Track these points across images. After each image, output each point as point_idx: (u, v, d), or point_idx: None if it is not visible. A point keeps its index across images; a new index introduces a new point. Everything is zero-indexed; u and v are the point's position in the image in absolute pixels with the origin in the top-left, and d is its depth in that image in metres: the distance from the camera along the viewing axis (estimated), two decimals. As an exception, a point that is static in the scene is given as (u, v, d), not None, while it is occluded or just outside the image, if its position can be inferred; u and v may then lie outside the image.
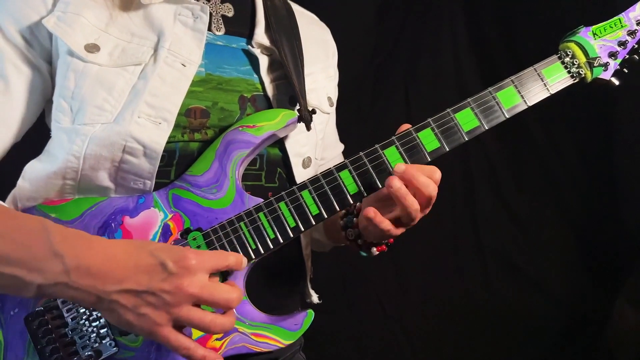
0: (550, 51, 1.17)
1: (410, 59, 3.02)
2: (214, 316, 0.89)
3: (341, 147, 1.55)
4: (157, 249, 0.88)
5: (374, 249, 1.23)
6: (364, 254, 1.25)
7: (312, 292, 1.38)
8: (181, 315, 0.86)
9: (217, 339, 1.03)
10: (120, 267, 0.85)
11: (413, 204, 1.03)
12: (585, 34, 1.17)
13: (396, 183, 1.02)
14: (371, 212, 1.05)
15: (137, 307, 0.85)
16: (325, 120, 1.35)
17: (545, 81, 1.13)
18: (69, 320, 0.99)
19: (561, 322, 2.87)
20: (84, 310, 1.00)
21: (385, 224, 1.06)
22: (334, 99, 1.41)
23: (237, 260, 0.95)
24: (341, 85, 1.48)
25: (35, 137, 1.13)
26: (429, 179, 1.03)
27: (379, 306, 2.94)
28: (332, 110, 1.40)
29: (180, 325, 0.89)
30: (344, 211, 1.24)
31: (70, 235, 0.89)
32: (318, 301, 1.38)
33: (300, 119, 1.16)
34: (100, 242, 0.90)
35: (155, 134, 1.03)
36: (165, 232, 1.04)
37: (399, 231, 1.09)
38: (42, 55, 1.08)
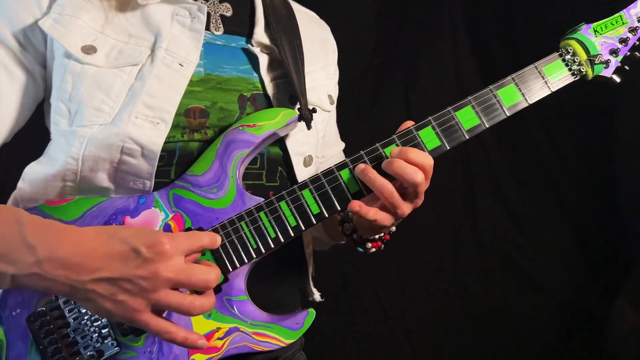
0: (552, 49, 1.17)
1: (410, 59, 3.02)
2: (193, 297, 0.88)
3: (342, 145, 1.55)
4: (129, 235, 0.87)
5: (369, 244, 1.23)
6: (361, 249, 1.25)
7: (314, 290, 1.38)
8: (159, 300, 0.85)
9: (218, 339, 1.04)
10: (93, 256, 0.85)
11: (384, 185, 1.02)
12: (586, 32, 1.17)
13: (359, 166, 1.04)
14: (355, 205, 1.04)
15: (114, 295, 0.84)
16: (326, 119, 1.35)
17: (546, 79, 1.13)
18: (71, 320, 0.99)
19: (561, 322, 2.88)
20: (85, 310, 1.00)
21: (372, 213, 1.04)
22: (335, 97, 1.41)
23: (210, 239, 0.95)
24: (341, 84, 1.47)
25: (35, 139, 1.13)
26: (415, 168, 1.01)
27: (379, 306, 2.93)
28: (333, 109, 1.40)
29: (160, 310, 0.89)
30: None
31: (44, 226, 0.89)
32: (321, 299, 1.38)
33: (300, 118, 1.16)
34: (73, 231, 0.89)
35: (153, 134, 1.03)
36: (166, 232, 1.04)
37: (388, 221, 1.07)
38: (36, 58, 1.08)
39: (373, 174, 1.03)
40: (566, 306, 2.88)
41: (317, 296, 1.38)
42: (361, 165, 1.05)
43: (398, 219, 1.08)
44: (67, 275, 0.84)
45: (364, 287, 2.94)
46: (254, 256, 1.04)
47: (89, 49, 1.05)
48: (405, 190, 1.03)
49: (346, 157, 1.08)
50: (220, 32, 1.18)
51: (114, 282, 0.84)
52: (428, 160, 1.03)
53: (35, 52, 1.08)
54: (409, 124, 1.09)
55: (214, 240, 0.96)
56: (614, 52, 1.16)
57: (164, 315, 0.91)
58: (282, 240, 1.06)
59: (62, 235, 0.87)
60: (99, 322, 1.00)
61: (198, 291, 0.92)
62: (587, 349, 2.80)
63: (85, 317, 0.99)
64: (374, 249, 1.25)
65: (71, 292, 0.86)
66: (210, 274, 0.89)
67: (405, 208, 1.05)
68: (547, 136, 2.89)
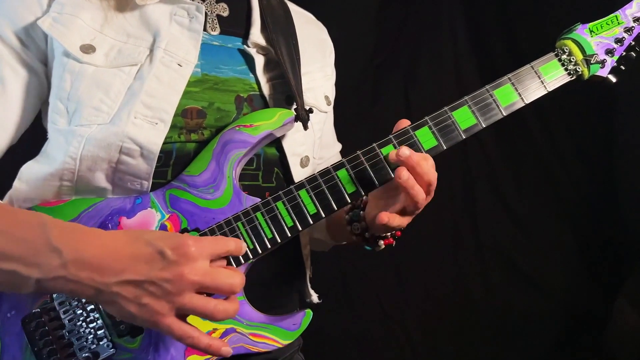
0: (552, 48, 1.17)
1: (410, 59, 3.02)
2: (217, 302, 0.88)
3: (339, 146, 1.54)
4: (155, 237, 0.87)
5: (382, 242, 1.21)
6: (369, 247, 1.23)
7: (312, 291, 1.37)
8: (184, 304, 0.85)
9: (214, 339, 1.03)
10: (119, 258, 0.85)
11: (419, 193, 1.02)
12: (582, 31, 1.17)
13: (405, 174, 1.01)
14: (385, 218, 1.04)
15: (139, 298, 0.84)
16: (323, 119, 1.35)
17: (543, 78, 1.13)
18: (66, 321, 0.99)
19: (561, 322, 2.87)
20: (81, 311, 0.99)
21: (397, 221, 1.06)
22: (332, 98, 1.41)
23: (236, 245, 0.95)
24: (341, 84, 1.47)
25: (32, 138, 1.13)
26: (429, 166, 1.03)
27: (379, 306, 2.93)
28: (330, 109, 1.40)
29: (184, 315, 0.89)
30: (349, 205, 1.24)
31: (68, 228, 0.89)
32: (318, 301, 1.37)
33: (297, 118, 1.16)
34: (97, 234, 0.89)
35: (152, 134, 1.03)
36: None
37: (407, 221, 1.08)
38: (38, 56, 1.08)
39: (413, 182, 1.01)
40: (566, 306, 2.88)
41: (314, 297, 1.37)
42: (404, 173, 1.00)
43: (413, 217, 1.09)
44: (92, 278, 0.84)
45: (364, 287, 2.93)
46: (251, 257, 1.04)
47: (88, 48, 1.05)
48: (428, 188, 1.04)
49: (344, 156, 1.08)
50: (216, 33, 1.18)
51: (139, 284, 0.84)
52: (430, 161, 1.04)
53: (37, 50, 1.08)
54: (405, 123, 1.09)
55: (240, 246, 0.96)
56: (609, 52, 1.16)
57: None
58: (279, 240, 1.05)
59: (87, 238, 0.87)
60: (95, 323, 0.99)
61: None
62: (587, 349, 2.80)
63: (81, 319, 0.99)
64: (384, 246, 1.24)
65: (96, 294, 0.85)
66: (235, 278, 0.89)
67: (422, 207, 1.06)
68: (547, 136, 2.89)
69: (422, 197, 1.02)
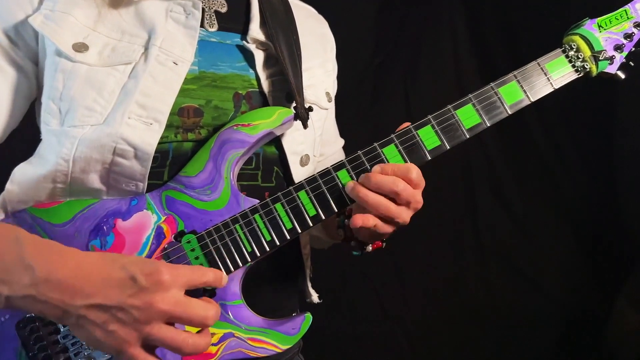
0: (553, 47, 1.14)
1: (410, 59, 3.02)
2: (187, 335, 0.84)
3: (341, 142, 1.52)
4: (130, 262, 0.83)
5: (369, 247, 1.20)
6: (357, 253, 1.22)
7: (312, 291, 1.36)
8: (151, 334, 0.81)
9: (212, 344, 1.01)
10: (91, 281, 0.81)
11: (379, 204, 1.00)
12: (590, 27, 1.14)
13: (349, 185, 1.02)
14: (359, 221, 1.02)
15: (106, 323, 0.80)
16: (324, 116, 1.32)
17: (549, 76, 1.11)
18: (61, 326, 0.97)
19: (561, 322, 2.88)
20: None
21: (371, 221, 1.03)
22: (333, 93, 1.39)
23: (215, 276, 0.90)
24: (341, 85, 1.46)
25: (26, 139, 1.10)
26: (387, 176, 1.01)
27: (379, 306, 2.93)
28: (331, 106, 1.38)
29: (152, 346, 0.85)
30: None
31: (44, 246, 0.86)
32: (318, 300, 1.36)
33: (296, 117, 1.13)
34: (73, 254, 0.85)
35: (147, 135, 1.01)
36: (159, 235, 1.01)
37: (390, 229, 1.05)
38: (28, 55, 1.06)
39: (364, 191, 1.01)
40: (566, 306, 2.88)
41: (314, 297, 1.37)
42: (350, 184, 1.02)
43: (400, 226, 1.06)
44: (61, 299, 0.81)
45: (364, 287, 2.94)
46: (249, 260, 1.02)
47: (81, 47, 1.02)
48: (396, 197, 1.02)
49: (346, 155, 1.06)
50: (214, 29, 1.16)
51: (107, 309, 0.80)
52: (401, 168, 1.02)
53: (27, 49, 1.06)
54: (409, 124, 1.07)
55: (219, 277, 0.91)
56: (618, 47, 1.13)
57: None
58: (278, 243, 1.03)
59: (61, 257, 0.84)
60: (90, 328, 0.97)
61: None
62: (587, 349, 2.79)
63: (75, 323, 0.97)
64: (373, 250, 1.22)
65: (63, 316, 0.82)
66: (209, 310, 0.85)
67: (405, 215, 1.03)
68: (547, 136, 2.89)
69: (384, 207, 1.01)
